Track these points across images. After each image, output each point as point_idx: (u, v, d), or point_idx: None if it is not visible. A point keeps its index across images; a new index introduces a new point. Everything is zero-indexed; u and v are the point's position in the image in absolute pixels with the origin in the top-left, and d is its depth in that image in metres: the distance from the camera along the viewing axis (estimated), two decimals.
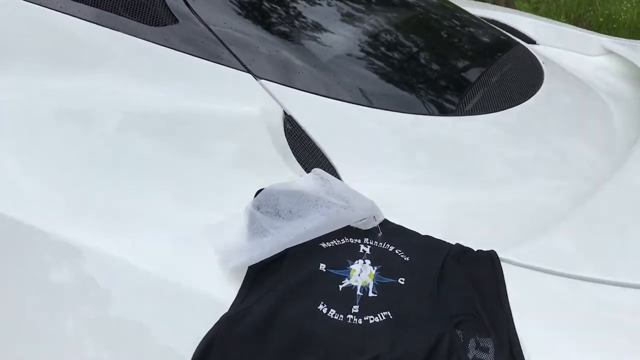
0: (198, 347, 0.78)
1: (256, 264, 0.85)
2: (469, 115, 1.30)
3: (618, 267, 0.91)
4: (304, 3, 1.49)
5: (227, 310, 0.81)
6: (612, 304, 0.87)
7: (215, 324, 0.80)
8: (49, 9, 1.19)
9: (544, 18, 2.39)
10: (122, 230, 0.91)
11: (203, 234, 0.89)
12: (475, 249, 0.92)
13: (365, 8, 1.60)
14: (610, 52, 1.90)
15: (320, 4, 1.53)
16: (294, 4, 1.46)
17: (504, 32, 1.90)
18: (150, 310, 0.85)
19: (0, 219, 0.94)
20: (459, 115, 1.29)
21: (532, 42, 2.02)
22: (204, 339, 0.79)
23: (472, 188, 1.10)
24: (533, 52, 1.74)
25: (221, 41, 1.22)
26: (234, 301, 0.82)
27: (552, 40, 2.03)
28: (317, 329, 0.79)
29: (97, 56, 1.17)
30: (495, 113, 1.32)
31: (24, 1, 1.19)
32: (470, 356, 0.77)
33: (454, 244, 0.93)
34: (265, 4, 1.41)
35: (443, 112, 1.30)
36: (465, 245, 0.93)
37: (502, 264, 0.90)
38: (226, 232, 0.89)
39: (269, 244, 0.85)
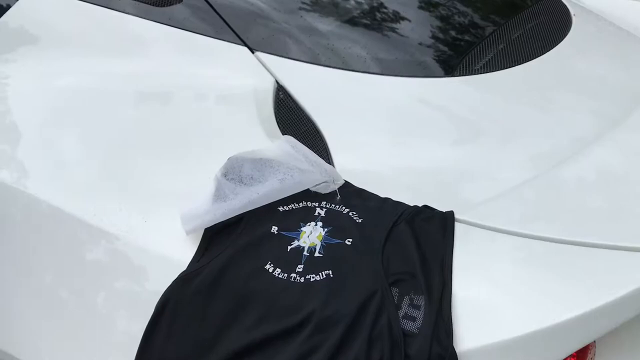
0: (157, 303, 0.86)
1: (213, 227, 0.91)
2: (469, 75, 1.26)
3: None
4: None
5: (183, 270, 0.88)
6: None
7: (172, 283, 0.87)
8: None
9: None
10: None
11: (177, 199, 0.97)
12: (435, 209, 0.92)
13: None
14: None
15: None
16: None
17: None
18: (118, 269, 0.94)
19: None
20: (456, 76, 1.26)
21: None
22: (162, 296, 0.87)
23: (447, 151, 1.08)
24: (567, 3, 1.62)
25: (221, 17, 1.29)
26: (190, 261, 0.89)
27: None
28: (260, 287, 0.84)
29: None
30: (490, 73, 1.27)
31: None
32: (402, 313, 0.79)
33: (412, 205, 0.93)
34: None
35: (436, 73, 1.28)
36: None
37: (459, 224, 0.89)
38: (196, 198, 0.96)
39: (221, 209, 0.90)
